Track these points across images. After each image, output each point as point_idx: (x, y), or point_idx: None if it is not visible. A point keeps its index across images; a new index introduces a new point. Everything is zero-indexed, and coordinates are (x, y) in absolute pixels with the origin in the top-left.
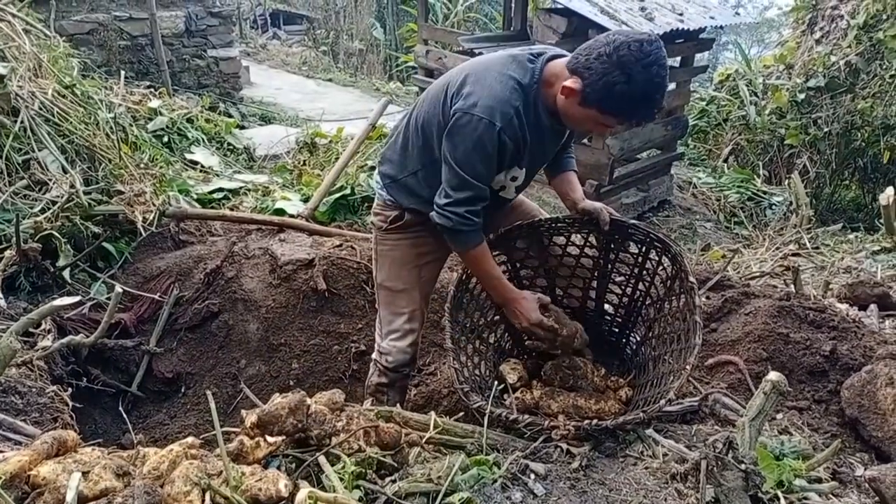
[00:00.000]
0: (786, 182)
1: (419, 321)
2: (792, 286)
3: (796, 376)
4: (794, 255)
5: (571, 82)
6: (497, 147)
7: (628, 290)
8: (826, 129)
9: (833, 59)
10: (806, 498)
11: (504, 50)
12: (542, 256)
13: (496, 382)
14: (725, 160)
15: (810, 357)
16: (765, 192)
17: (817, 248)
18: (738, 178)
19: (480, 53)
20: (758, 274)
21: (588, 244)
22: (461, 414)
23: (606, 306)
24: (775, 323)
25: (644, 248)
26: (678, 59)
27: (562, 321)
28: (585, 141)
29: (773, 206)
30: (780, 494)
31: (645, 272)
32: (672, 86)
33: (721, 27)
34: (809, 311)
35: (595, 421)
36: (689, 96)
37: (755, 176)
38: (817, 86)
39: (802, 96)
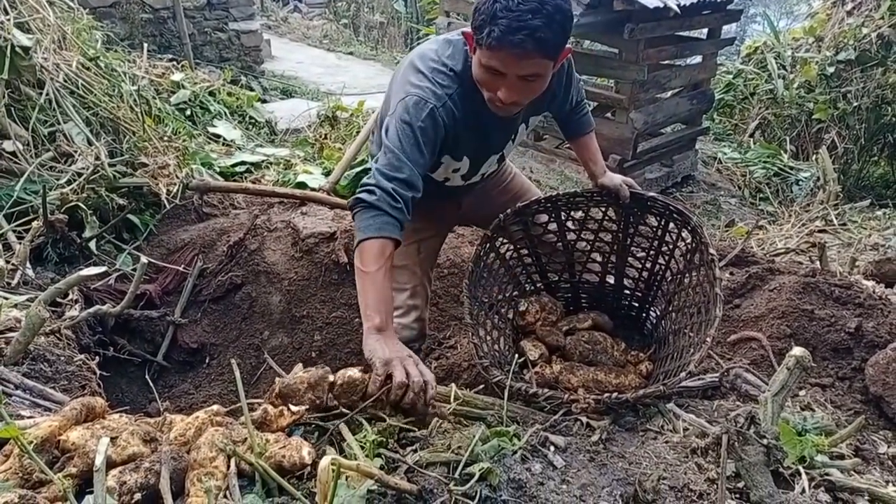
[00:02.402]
0: (813, 157)
1: (422, 297)
2: (818, 263)
3: (820, 353)
4: (820, 231)
5: (468, 29)
6: (428, 124)
7: (648, 263)
8: (855, 104)
9: (864, 31)
10: (827, 474)
11: (439, 37)
12: (561, 231)
13: (516, 357)
14: (752, 135)
15: (835, 334)
16: (791, 168)
17: (844, 224)
18: (764, 153)
19: None
20: (783, 250)
21: (607, 218)
22: (481, 387)
23: (626, 280)
24: (800, 299)
25: (663, 221)
26: (705, 30)
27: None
28: (609, 115)
29: (800, 182)
30: (801, 470)
31: (664, 245)
32: (698, 58)
33: None
34: (835, 288)
35: (615, 394)
36: (716, 69)
37: (782, 151)
38: (847, 59)
39: (832, 70)
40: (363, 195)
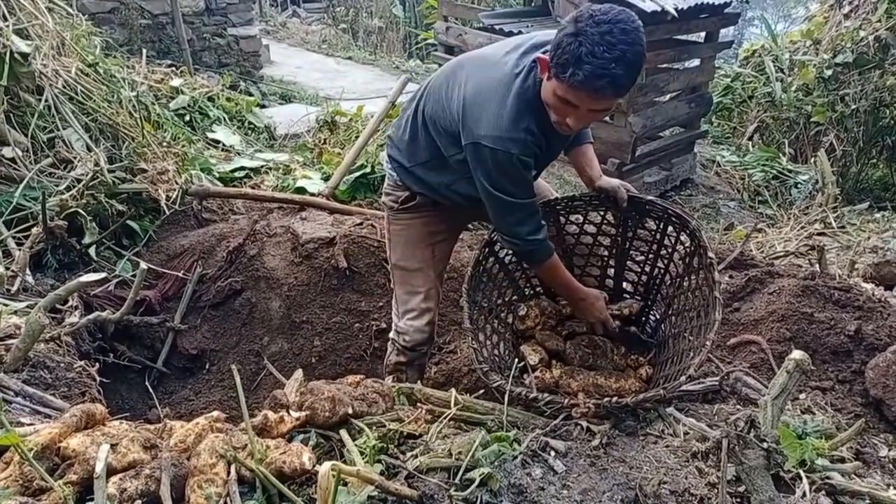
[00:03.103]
0: (812, 160)
1: (435, 300)
2: (817, 265)
3: (820, 356)
4: (819, 234)
5: (542, 54)
6: (521, 168)
7: (647, 267)
8: (854, 107)
9: (862, 34)
10: (828, 477)
11: (501, 47)
12: (560, 235)
13: (516, 361)
14: (750, 138)
15: (834, 337)
16: (790, 171)
17: (843, 227)
18: (762, 156)
19: (501, 30)
20: (782, 253)
21: (605, 222)
22: (481, 392)
23: (625, 284)
24: (799, 302)
25: (662, 225)
26: (702, 34)
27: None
28: (607, 118)
29: (799, 185)
30: (802, 473)
31: (663, 249)
32: (695, 62)
33: (747, 1)
34: (834, 291)
35: (615, 399)
36: (714, 73)
37: (780, 154)
38: (845, 62)
39: (830, 72)
40: (509, 248)
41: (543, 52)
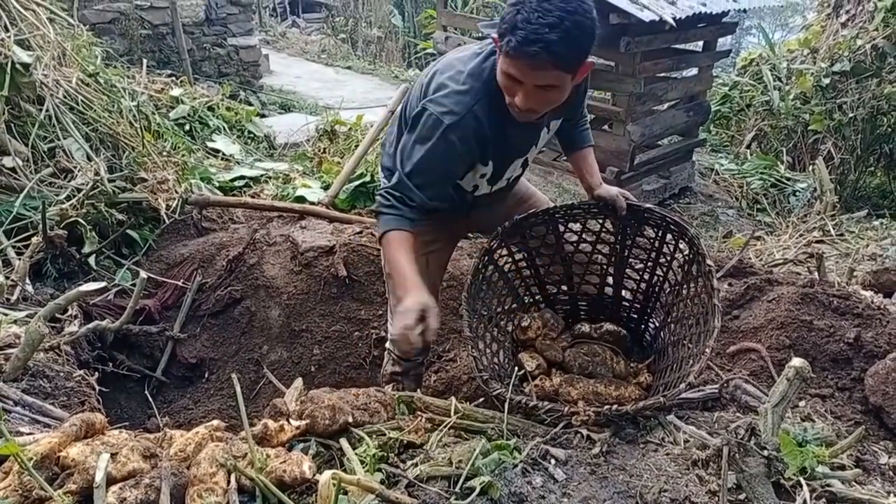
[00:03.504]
0: (810, 168)
1: None
2: (816, 273)
3: (819, 364)
4: (818, 242)
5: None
6: (445, 144)
7: (646, 275)
8: (851, 115)
9: (859, 42)
10: (829, 485)
11: (473, 44)
12: (559, 244)
13: (515, 369)
14: (748, 146)
15: (834, 344)
16: (788, 179)
17: (842, 235)
18: (761, 164)
19: None
20: (781, 261)
21: (604, 230)
22: (481, 400)
23: (624, 292)
24: (798, 310)
25: (660, 232)
26: (700, 43)
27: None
28: (606, 127)
29: (797, 193)
30: (802, 481)
31: (662, 257)
32: (694, 71)
33: (744, 11)
34: (833, 298)
35: (615, 406)
36: (712, 81)
37: (778, 162)
38: (842, 70)
39: (827, 81)
40: (380, 200)
41: None
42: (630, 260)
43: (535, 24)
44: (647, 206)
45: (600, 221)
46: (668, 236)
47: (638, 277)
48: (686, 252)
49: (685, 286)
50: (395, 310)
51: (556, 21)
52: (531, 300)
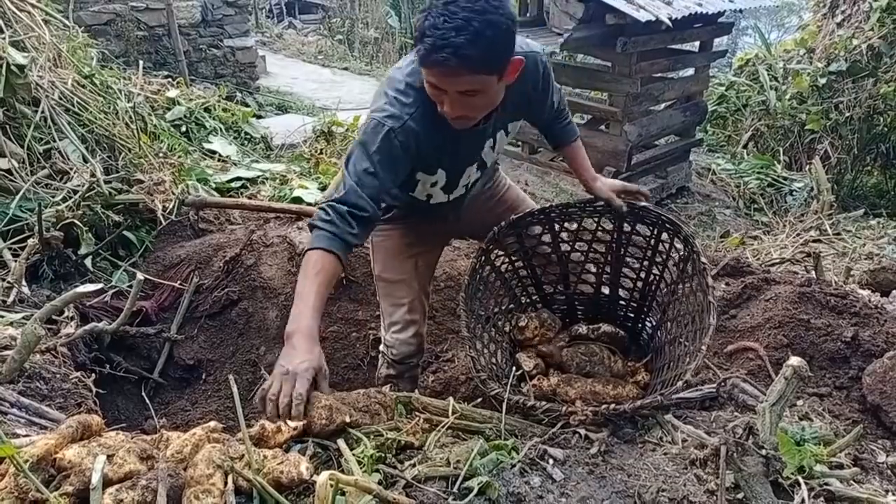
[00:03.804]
0: (807, 168)
1: (420, 312)
2: (813, 272)
3: (817, 363)
4: (815, 241)
5: None
6: (384, 148)
7: (642, 273)
8: (848, 114)
9: (855, 42)
10: (827, 484)
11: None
12: (555, 243)
13: (514, 369)
14: (745, 146)
15: (831, 343)
16: (785, 179)
17: (839, 234)
18: (757, 164)
19: None
20: (778, 260)
21: (600, 228)
22: (479, 400)
23: (621, 291)
24: (796, 309)
25: (656, 231)
26: (696, 43)
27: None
28: (603, 127)
29: (794, 193)
30: (800, 480)
31: (658, 255)
32: (690, 71)
33: (740, 11)
34: (831, 297)
35: (612, 405)
36: (708, 82)
37: (775, 162)
38: (839, 70)
39: (823, 81)
40: (319, 214)
41: None
42: (626, 259)
43: (442, 29)
44: (642, 204)
45: (596, 220)
46: (664, 235)
47: (634, 276)
48: (681, 250)
49: (681, 284)
50: (287, 342)
51: (462, 23)
52: (528, 300)
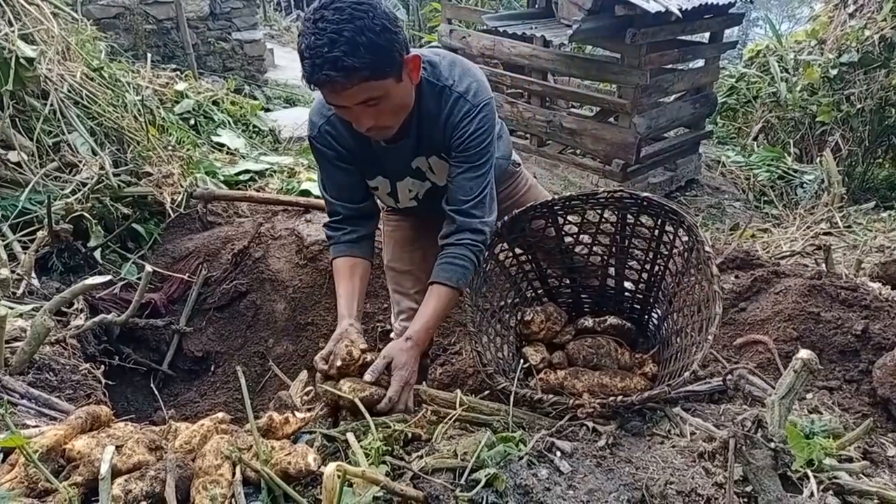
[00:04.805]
0: (817, 160)
1: None
2: (823, 265)
3: (827, 356)
4: (825, 233)
5: None
6: (316, 152)
7: (647, 265)
8: (859, 106)
9: (867, 33)
10: (836, 477)
11: None
12: (558, 236)
13: (521, 362)
14: (755, 138)
15: (841, 336)
16: (796, 171)
17: (849, 226)
18: (768, 156)
19: (504, 32)
20: (788, 253)
21: (604, 220)
22: (486, 392)
23: (627, 283)
24: (806, 302)
25: (659, 221)
26: (706, 34)
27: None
28: (612, 119)
29: (805, 185)
30: (809, 473)
31: (662, 246)
32: (700, 62)
33: (751, 1)
34: (841, 290)
35: (620, 398)
36: (718, 73)
37: (786, 154)
38: (850, 61)
39: (835, 72)
40: (324, 231)
41: None
42: (631, 250)
43: (315, 48)
44: (644, 194)
45: (599, 212)
46: (668, 226)
47: (639, 267)
48: (686, 240)
49: (686, 274)
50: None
51: (334, 36)
52: (533, 294)
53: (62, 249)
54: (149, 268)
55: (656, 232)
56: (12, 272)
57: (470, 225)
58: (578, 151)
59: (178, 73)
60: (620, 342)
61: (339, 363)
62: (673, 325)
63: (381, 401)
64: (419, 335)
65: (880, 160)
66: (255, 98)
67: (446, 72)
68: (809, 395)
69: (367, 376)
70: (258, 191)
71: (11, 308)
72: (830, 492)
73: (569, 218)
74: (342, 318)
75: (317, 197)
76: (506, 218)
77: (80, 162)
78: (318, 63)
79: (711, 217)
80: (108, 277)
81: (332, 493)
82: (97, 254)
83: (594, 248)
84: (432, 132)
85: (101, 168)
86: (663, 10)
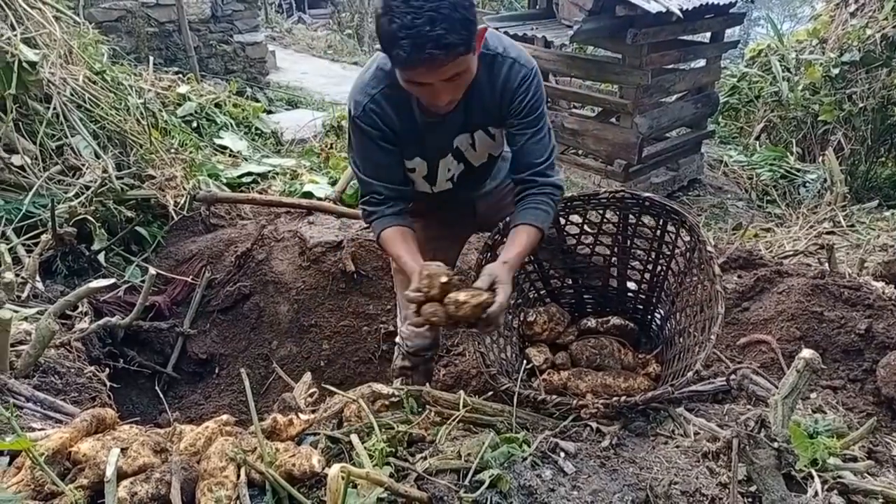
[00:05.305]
0: (820, 159)
1: None
2: (826, 264)
3: (831, 355)
4: (828, 233)
5: None
6: (359, 132)
7: (649, 265)
8: (861, 105)
9: (868, 32)
10: (840, 476)
11: None
12: (560, 237)
13: (524, 363)
14: (757, 138)
15: (845, 336)
16: (798, 170)
17: (852, 225)
18: (770, 155)
19: (506, 33)
20: (791, 252)
21: (605, 220)
22: (490, 394)
23: (629, 283)
24: (809, 301)
25: (661, 221)
26: (708, 34)
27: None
28: (613, 120)
29: (807, 184)
30: (813, 473)
31: (664, 246)
32: (701, 62)
33: (752, 1)
34: (844, 290)
35: (624, 398)
36: (720, 73)
37: (788, 153)
38: (852, 60)
39: (837, 71)
40: (361, 209)
41: None
42: (633, 250)
43: (415, 28)
44: (646, 195)
45: (601, 213)
46: (670, 226)
47: (641, 268)
48: (688, 240)
49: (688, 274)
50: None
51: (433, 15)
52: (536, 295)
53: (66, 253)
54: (152, 270)
55: (658, 232)
56: (17, 276)
57: (549, 181)
58: (580, 152)
59: (181, 75)
60: (623, 342)
61: (444, 279)
62: (676, 325)
63: (493, 305)
64: (514, 260)
65: (883, 159)
66: (258, 100)
67: (493, 41)
68: (813, 395)
69: (481, 283)
70: (261, 193)
71: (16, 311)
72: (835, 491)
73: (571, 218)
74: (414, 270)
75: (319, 199)
76: (507, 219)
77: (83, 165)
78: (420, 43)
79: (714, 217)
80: (112, 280)
81: (336, 495)
82: (101, 257)
83: (596, 249)
84: (483, 103)
85: (105, 171)
86: (664, 10)
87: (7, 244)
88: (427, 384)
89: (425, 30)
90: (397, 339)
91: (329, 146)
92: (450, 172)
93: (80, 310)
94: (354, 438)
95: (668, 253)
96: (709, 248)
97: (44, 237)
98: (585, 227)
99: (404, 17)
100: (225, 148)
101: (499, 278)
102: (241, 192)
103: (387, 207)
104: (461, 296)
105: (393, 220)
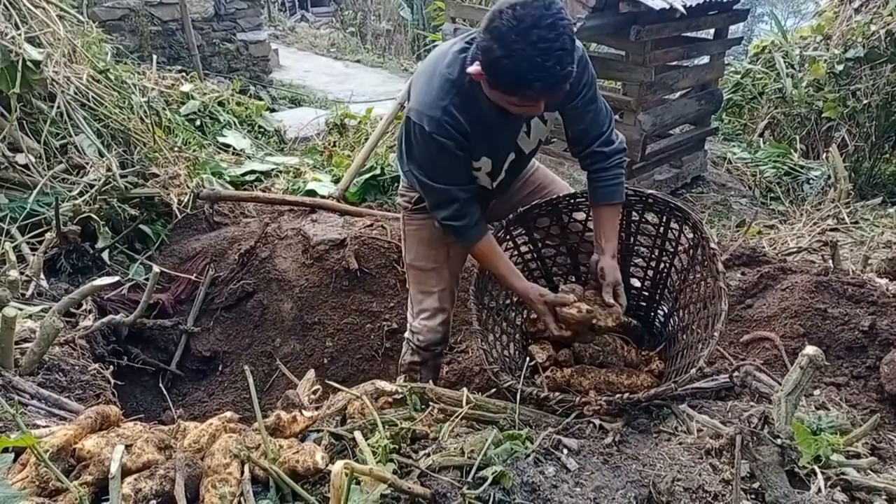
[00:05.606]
0: (824, 156)
1: (450, 300)
2: (830, 261)
3: (834, 352)
4: (832, 230)
5: (475, 67)
6: (435, 147)
7: (653, 262)
8: (865, 101)
9: (873, 28)
10: (843, 473)
11: (450, 40)
12: (563, 234)
13: (527, 360)
14: (761, 134)
15: (849, 332)
16: (802, 167)
17: (856, 222)
18: (774, 152)
19: None
20: (795, 249)
21: None
22: (493, 391)
23: (633, 280)
24: (813, 298)
25: (664, 218)
26: (711, 31)
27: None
28: (617, 117)
29: (811, 181)
30: (817, 469)
31: (668, 243)
32: (705, 59)
33: None
34: (848, 287)
35: (627, 395)
36: (724, 69)
37: (792, 150)
38: (856, 56)
39: (841, 67)
40: (442, 227)
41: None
42: (636, 247)
43: (547, 70)
44: (650, 191)
45: None
46: (673, 223)
47: (645, 264)
48: (691, 237)
49: (691, 271)
50: (528, 303)
51: (560, 55)
52: None
53: (70, 251)
54: (156, 268)
55: (661, 229)
56: (21, 274)
57: (615, 149)
58: None
59: (184, 74)
60: (626, 339)
61: (585, 308)
62: (679, 321)
63: (621, 310)
64: (615, 249)
65: (887, 156)
66: (261, 98)
67: None
68: (816, 392)
69: (607, 297)
70: (264, 191)
71: (21, 309)
72: (838, 488)
73: (574, 215)
74: (527, 288)
75: (322, 197)
76: (511, 215)
77: (87, 163)
78: (553, 83)
79: (718, 214)
80: (116, 278)
81: (339, 491)
82: (105, 255)
83: None
84: None
85: (108, 169)
86: (668, 6)
87: (12, 242)
88: (434, 381)
89: (556, 69)
90: (406, 335)
91: (332, 144)
92: (508, 163)
93: (84, 307)
94: (358, 435)
95: (672, 250)
96: (712, 244)
97: (48, 235)
98: (589, 223)
99: (533, 59)
100: (228, 146)
101: (617, 280)
102: (245, 190)
103: (472, 219)
104: (609, 322)
105: (482, 230)
